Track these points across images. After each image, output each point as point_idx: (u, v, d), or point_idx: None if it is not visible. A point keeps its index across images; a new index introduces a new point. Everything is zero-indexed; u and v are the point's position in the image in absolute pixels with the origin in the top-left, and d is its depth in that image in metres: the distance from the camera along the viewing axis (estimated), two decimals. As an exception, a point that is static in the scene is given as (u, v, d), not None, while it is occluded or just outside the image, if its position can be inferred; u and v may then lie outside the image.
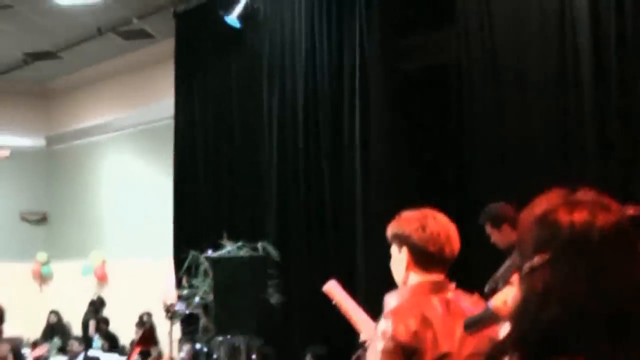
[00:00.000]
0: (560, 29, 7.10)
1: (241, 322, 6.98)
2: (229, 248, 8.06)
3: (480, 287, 3.77)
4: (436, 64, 8.26)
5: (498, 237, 6.10)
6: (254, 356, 8.09)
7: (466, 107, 7.88)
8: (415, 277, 3.11)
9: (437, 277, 3.12)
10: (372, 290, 7.99)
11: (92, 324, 12.82)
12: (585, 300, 1.45)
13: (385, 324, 2.94)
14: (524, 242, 1.58)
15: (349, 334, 6.02)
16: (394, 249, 3.19)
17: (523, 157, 7.37)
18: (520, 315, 1.53)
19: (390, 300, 3.20)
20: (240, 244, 8.14)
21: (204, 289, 8.04)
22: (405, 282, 3.16)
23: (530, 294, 1.51)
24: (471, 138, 7.83)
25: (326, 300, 5.03)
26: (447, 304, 3.05)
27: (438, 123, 8.08)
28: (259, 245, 8.16)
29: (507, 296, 1.99)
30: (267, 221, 9.68)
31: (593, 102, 6.87)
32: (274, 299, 8.02)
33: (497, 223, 6.11)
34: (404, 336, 2.89)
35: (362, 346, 4.98)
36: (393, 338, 2.88)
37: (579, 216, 1.50)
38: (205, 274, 8.12)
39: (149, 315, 11.16)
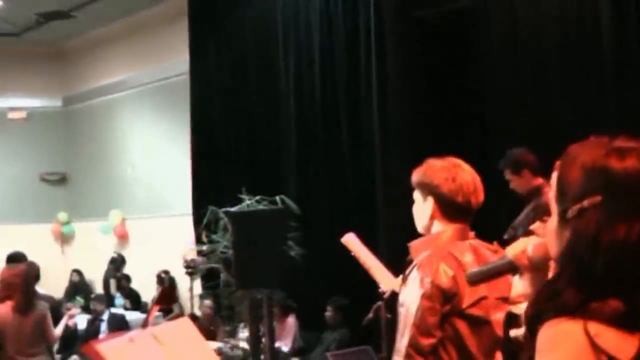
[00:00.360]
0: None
1: (262, 275, 6.95)
2: (248, 202, 8.04)
3: (498, 236, 3.75)
4: (453, 9, 8.15)
5: (518, 182, 6.06)
6: (275, 309, 8.12)
7: (483, 55, 7.80)
8: (439, 226, 3.14)
9: (461, 225, 3.15)
10: (392, 242, 7.98)
11: (113, 283, 12.89)
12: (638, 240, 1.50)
13: (423, 271, 2.97)
14: (568, 187, 1.61)
15: (370, 285, 6.02)
16: (417, 196, 3.21)
17: (542, 108, 7.30)
18: (571, 259, 1.56)
19: (419, 247, 3.15)
20: (259, 198, 8.12)
21: (224, 243, 8.04)
22: (428, 230, 3.19)
23: (580, 236, 1.55)
24: (489, 88, 7.76)
25: (346, 252, 5.03)
26: (474, 249, 3.09)
27: (455, 73, 7.97)
28: (278, 198, 8.13)
29: (526, 245, 1.97)
30: (286, 175, 9.67)
31: (612, 50, 6.78)
32: (295, 251, 8.01)
33: (517, 168, 6.07)
34: (444, 281, 2.93)
35: (382, 297, 4.99)
36: (433, 283, 2.91)
37: (631, 162, 1.55)
38: (225, 228, 8.11)
39: (167, 273, 11.18)
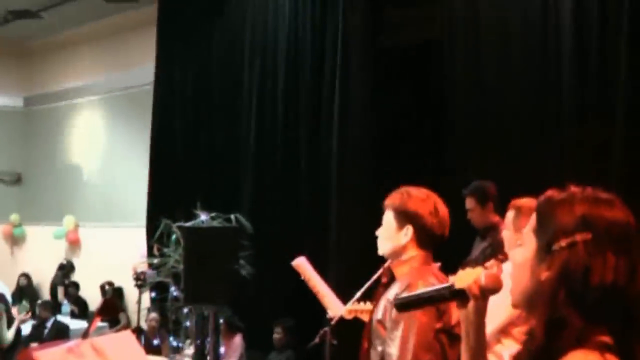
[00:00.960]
0: (544, 8, 7.09)
1: (211, 292, 6.94)
2: (203, 218, 8.01)
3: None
4: (419, 40, 8.22)
5: (479, 214, 6.06)
6: (222, 326, 8.08)
7: (447, 83, 7.87)
8: (411, 251, 3.29)
9: (429, 252, 3.32)
10: (343, 266, 8.01)
11: (60, 290, 12.76)
12: (626, 282, 1.60)
13: (420, 287, 3.02)
14: (554, 223, 1.67)
15: (317, 308, 6.03)
16: (391, 221, 3.33)
17: (502, 135, 7.39)
18: (559, 286, 1.62)
19: (403, 269, 3.30)
20: (213, 214, 8.10)
21: (175, 258, 8.00)
22: (396, 254, 3.31)
23: (569, 267, 1.61)
24: (451, 114, 7.83)
25: (296, 274, 5.03)
26: (436, 275, 3.24)
27: (419, 100, 8.04)
28: (232, 216, 8.12)
29: (477, 274, 2.02)
30: (242, 193, 9.66)
31: (572, 76, 6.88)
32: (245, 270, 7.99)
33: (484, 200, 6.07)
34: None
35: (329, 322, 5.00)
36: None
37: (618, 212, 1.66)
38: (177, 243, 8.07)
39: (111, 284, 11.05)
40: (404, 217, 3.28)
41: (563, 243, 1.64)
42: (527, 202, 4.24)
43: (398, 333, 3.09)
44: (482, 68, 7.62)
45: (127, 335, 2.30)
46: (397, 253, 3.31)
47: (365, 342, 3.44)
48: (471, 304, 2.02)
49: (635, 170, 6.40)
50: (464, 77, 7.77)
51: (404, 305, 2.23)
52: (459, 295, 2.05)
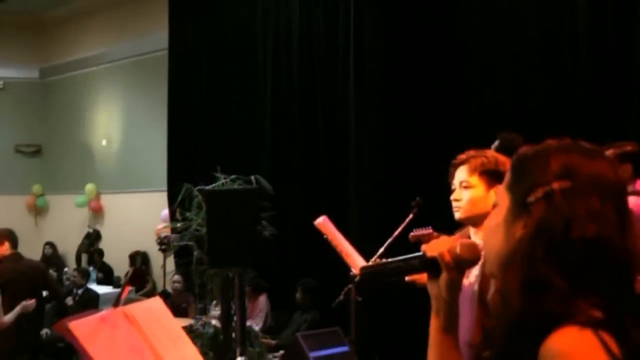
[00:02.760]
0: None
1: (235, 254, 6.99)
2: (223, 181, 8.05)
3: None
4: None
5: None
6: (247, 288, 8.16)
7: (461, 40, 7.86)
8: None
9: None
10: (363, 224, 8.06)
11: (84, 257, 12.90)
12: (613, 234, 1.42)
13: None
14: (529, 174, 1.49)
15: (340, 267, 6.08)
16: (477, 183, 3.26)
17: (516, 79, 7.38)
18: (535, 244, 1.43)
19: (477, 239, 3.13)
20: (233, 176, 8.13)
21: (197, 221, 8.05)
22: (484, 217, 3.16)
23: (548, 219, 1.42)
24: (465, 57, 7.83)
25: (318, 234, 5.08)
26: None
27: (433, 46, 8.02)
28: (252, 178, 8.16)
29: (451, 243, 1.72)
30: (261, 155, 9.70)
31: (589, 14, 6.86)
32: (268, 231, 8.04)
33: (510, 151, 6.07)
34: None
35: (353, 280, 5.07)
36: None
37: (601, 162, 1.48)
38: (199, 206, 8.11)
39: (139, 254, 11.14)
40: (497, 177, 3.13)
41: (539, 193, 1.44)
42: None
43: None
44: (496, 21, 7.61)
45: (157, 302, 2.36)
46: (483, 217, 3.05)
47: (478, 309, 3.21)
48: (443, 277, 1.74)
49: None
50: (478, 24, 7.77)
51: (369, 277, 1.90)
52: (430, 266, 1.77)
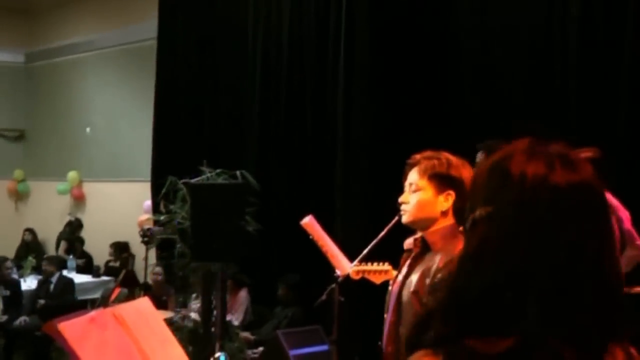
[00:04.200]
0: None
1: (218, 248, 6.97)
2: (209, 175, 8.02)
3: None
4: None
5: None
6: (228, 282, 8.13)
7: (453, 27, 7.86)
8: (446, 219, 3.12)
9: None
10: (348, 224, 8.05)
11: (63, 244, 12.82)
12: (521, 267, 1.22)
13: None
14: (473, 191, 1.35)
15: (323, 266, 6.06)
16: (425, 186, 3.15)
17: (508, 88, 7.39)
18: (454, 278, 1.30)
19: (439, 240, 3.12)
20: (219, 171, 8.10)
21: (181, 214, 8.02)
22: (426, 223, 3.14)
23: (466, 253, 1.30)
24: (456, 54, 7.82)
25: (302, 231, 5.07)
26: None
27: (423, 41, 8.00)
28: (238, 172, 8.13)
29: None
30: (247, 149, 9.67)
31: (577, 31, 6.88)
32: (252, 227, 8.02)
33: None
34: None
35: (336, 280, 5.05)
36: None
37: (534, 168, 1.26)
38: (184, 199, 8.08)
39: (130, 254, 11.05)
40: (447, 181, 3.11)
41: (468, 222, 1.31)
42: None
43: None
44: (487, 15, 7.61)
45: (146, 302, 2.33)
46: (430, 221, 3.14)
47: (392, 315, 3.26)
48: None
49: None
50: (469, 23, 7.76)
51: None
52: None
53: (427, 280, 3.03)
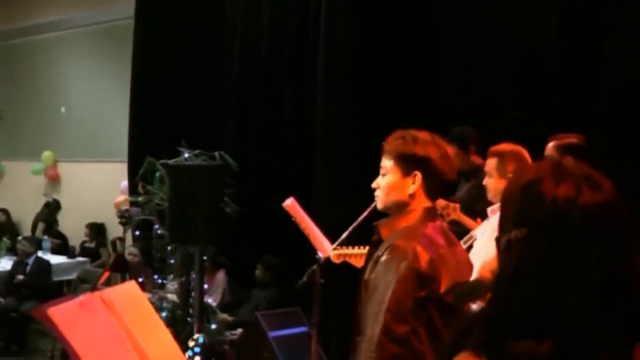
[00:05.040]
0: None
1: (196, 230, 6.96)
2: (187, 155, 7.97)
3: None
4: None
5: (462, 158, 6.11)
6: (206, 264, 8.12)
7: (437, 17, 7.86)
8: (417, 203, 2.95)
9: (432, 203, 2.99)
10: (326, 205, 8.04)
11: (41, 226, 12.72)
12: (558, 282, 1.37)
13: (399, 254, 2.80)
14: (505, 212, 1.50)
15: (302, 248, 6.05)
16: (393, 169, 2.99)
17: (490, 66, 7.40)
18: (494, 292, 1.47)
19: (390, 227, 2.97)
20: (197, 152, 8.06)
21: (159, 195, 7.98)
22: (398, 207, 2.99)
23: (504, 270, 1.44)
24: (436, 48, 7.82)
25: (281, 213, 5.06)
26: (443, 232, 2.93)
27: (404, 34, 7.99)
28: (217, 154, 8.10)
29: (493, 265, 1.91)
30: (226, 130, 9.62)
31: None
32: (230, 208, 8.01)
33: (464, 144, 6.14)
34: (421, 264, 2.76)
35: (317, 261, 5.04)
36: (410, 267, 2.74)
37: (564, 190, 1.40)
38: (162, 180, 8.04)
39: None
40: (411, 162, 2.93)
41: (503, 242, 1.46)
42: (508, 147, 4.28)
43: (374, 297, 2.82)
44: (470, 13, 7.61)
45: (133, 286, 2.31)
46: (401, 205, 2.97)
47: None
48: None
49: (620, 112, 6.46)
50: (449, 14, 7.75)
51: (459, 299, 2.12)
52: (482, 288, 1.91)
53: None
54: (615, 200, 1.41)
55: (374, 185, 3.08)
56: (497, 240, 1.49)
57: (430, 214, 2.95)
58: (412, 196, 2.95)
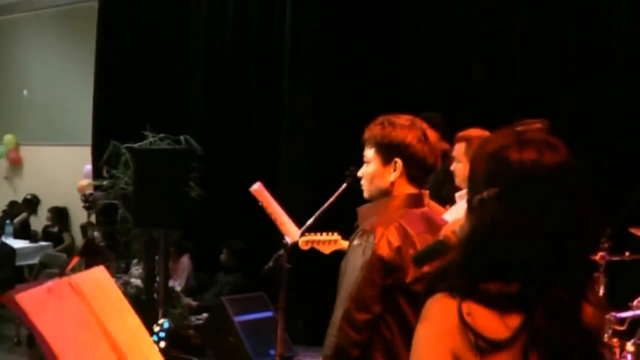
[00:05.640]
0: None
1: (161, 214, 6.92)
2: (152, 139, 7.92)
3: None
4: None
5: None
6: (171, 248, 8.09)
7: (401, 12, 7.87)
8: (399, 190, 2.91)
9: (417, 189, 2.93)
10: (293, 190, 8.03)
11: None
12: (526, 233, 1.60)
13: (365, 239, 2.77)
14: (475, 176, 1.71)
15: (267, 232, 6.03)
16: (374, 157, 2.94)
17: (458, 51, 7.44)
18: (468, 243, 1.67)
19: (367, 213, 2.95)
20: (162, 135, 8.00)
21: (124, 179, 7.92)
22: (385, 194, 2.93)
23: (478, 224, 1.65)
24: (405, 33, 7.84)
25: (246, 197, 5.04)
26: (426, 219, 2.89)
27: (373, 15, 8.00)
28: (182, 137, 8.05)
29: (455, 226, 1.98)
30: (191, 114, 9.57)
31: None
32: (195, 192, 7.97)
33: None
34: (386, 252, 2.72)
35: (284, 246, 5.04)
36: (374, 253, 2.71)
37: (528, 154, 1.64)
38: (126, 164, 7.97)
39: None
40: (389, 149, 2.88)
41: (476, 200, 1.67)
42: (476, 132, 4.30)
43: (343, 282, 2.81)
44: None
45: (101, 271, 2.29)
46: (384, 193, 2.93)
47: None
48: (452, 254, 1.96)
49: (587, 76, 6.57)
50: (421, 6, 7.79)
51: (418, 260, 2.22)
52: (447, 247, 2.02)
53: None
54: (571, 160, 1.66)
55: (359, 174, 3.04)
56: (469, 200, 1.71)
57: (413, 201, 2.91)
58: (393, 183, 2.91)
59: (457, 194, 4.50)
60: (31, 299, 1.85)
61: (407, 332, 2.61)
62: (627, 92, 6.47)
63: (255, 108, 8.99)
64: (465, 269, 1.63)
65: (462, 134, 4.46)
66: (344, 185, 5.22)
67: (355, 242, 2.83)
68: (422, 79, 7.61)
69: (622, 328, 4.85)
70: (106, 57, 10.62)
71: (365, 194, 3.02)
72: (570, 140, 1.78)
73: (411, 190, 2.92)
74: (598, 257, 4.90)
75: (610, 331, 4.79)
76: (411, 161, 2.88)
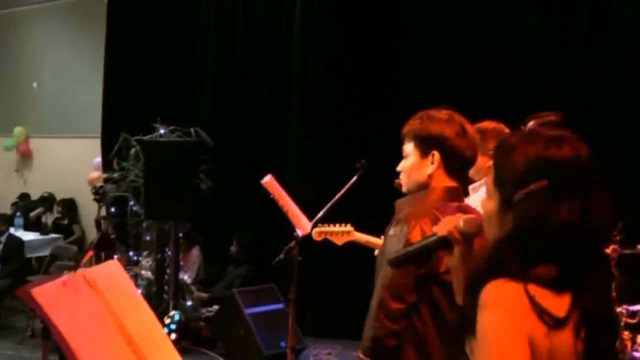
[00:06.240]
0: None
1: (171, 206, 6.94)
2: (162, 132, 7.93)
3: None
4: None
5: None
6: (182, 240, 8.10)
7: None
8: (437, 182, 2.90)
9: (456, 183, 2.93)
10: (303, 182, 8.04)
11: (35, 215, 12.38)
12: (575, 217, 1.73)
13: (400, 228, 2.76)
14: (509, 174, 1.79)
15: (277, 225, 6.02)
16: (413, 151, 2.94)
17: (463, 52, 7.43)
18: (520, 232, 1.75)
19: (403, 205, 2.93)
20: (172, 128, 8.01)
21: (135, 172, 7.94)
22: (423, 187, 2.93)
23: (527, 216, 1.75)
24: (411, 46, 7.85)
25: (256, 189, 5.05)
26: (463, 211, 2.73)
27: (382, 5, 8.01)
28: (192, 130, 8.05)
29: (454, 221, 2.02)
30: (201, 107, 9.56)
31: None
32: (205, 184, 7.98)
33: None
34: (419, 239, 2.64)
35: (295, 238, 5.04)
36: (408, 242, 2.67)
37: (567, 149, 1.76)
38: (137, 157, 7.99)
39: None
40: (427, 142, 2.88)
41: (520, 194, 1.75)
42: (490, 124, 4.28)
43: (380, 272, 2.82)
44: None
45: (115, 265, 2.29)
46: (422, 186, 2.92)
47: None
48: (456, 250, 2.07)
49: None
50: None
51: (397, 263, 2.20)
52: (444, 243, 2.07)
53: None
54: (590, 155, 1.80)
55: (398, 168, 3.04)
56: (505, 197, 1.79)
57: (451, 194, 2.90)
58: (431, 176, 2.91)
59: (470, 187, 4.48)
60: (47, 293, 1.85)
61: (441, 324, 2.69)
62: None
63: (265, 100, 8.98)
64: (523, 255, 1.72)
65: (476, 126, 4.43)
66: (355, 177, 5.23)
67: (391, 232, 2.83)
68: (433, 71, 7.59)
69: (633, 321, 4.85)
70: (116, 49, 10.62)
71: (404, 188, 3.01)
72: (582, 133, 1.81)
73: (450, 183, 2.91)
74: (610, 250, 4.88)
75: (621, 324, 4.78)
76: (449, 154, 2.88)
